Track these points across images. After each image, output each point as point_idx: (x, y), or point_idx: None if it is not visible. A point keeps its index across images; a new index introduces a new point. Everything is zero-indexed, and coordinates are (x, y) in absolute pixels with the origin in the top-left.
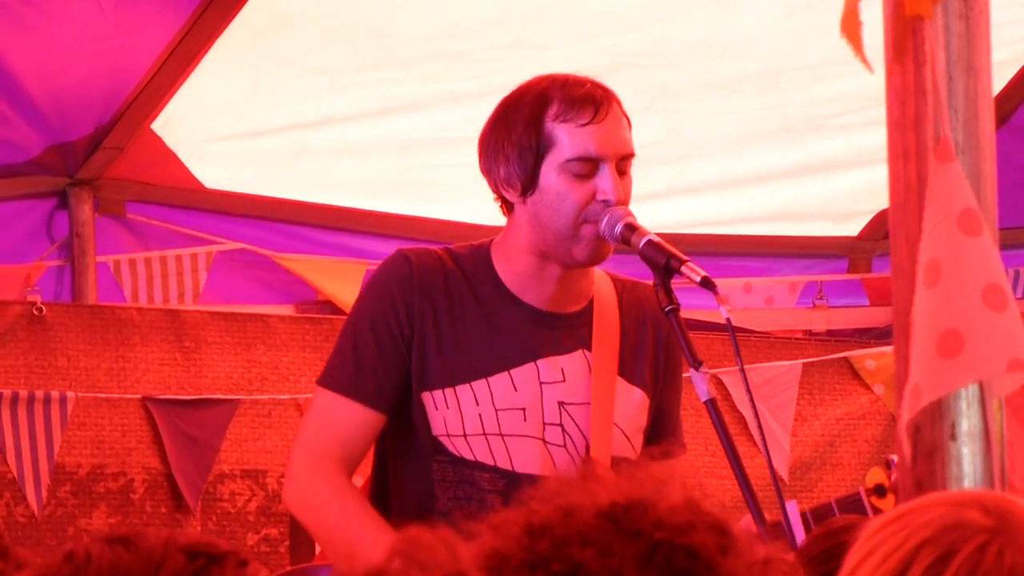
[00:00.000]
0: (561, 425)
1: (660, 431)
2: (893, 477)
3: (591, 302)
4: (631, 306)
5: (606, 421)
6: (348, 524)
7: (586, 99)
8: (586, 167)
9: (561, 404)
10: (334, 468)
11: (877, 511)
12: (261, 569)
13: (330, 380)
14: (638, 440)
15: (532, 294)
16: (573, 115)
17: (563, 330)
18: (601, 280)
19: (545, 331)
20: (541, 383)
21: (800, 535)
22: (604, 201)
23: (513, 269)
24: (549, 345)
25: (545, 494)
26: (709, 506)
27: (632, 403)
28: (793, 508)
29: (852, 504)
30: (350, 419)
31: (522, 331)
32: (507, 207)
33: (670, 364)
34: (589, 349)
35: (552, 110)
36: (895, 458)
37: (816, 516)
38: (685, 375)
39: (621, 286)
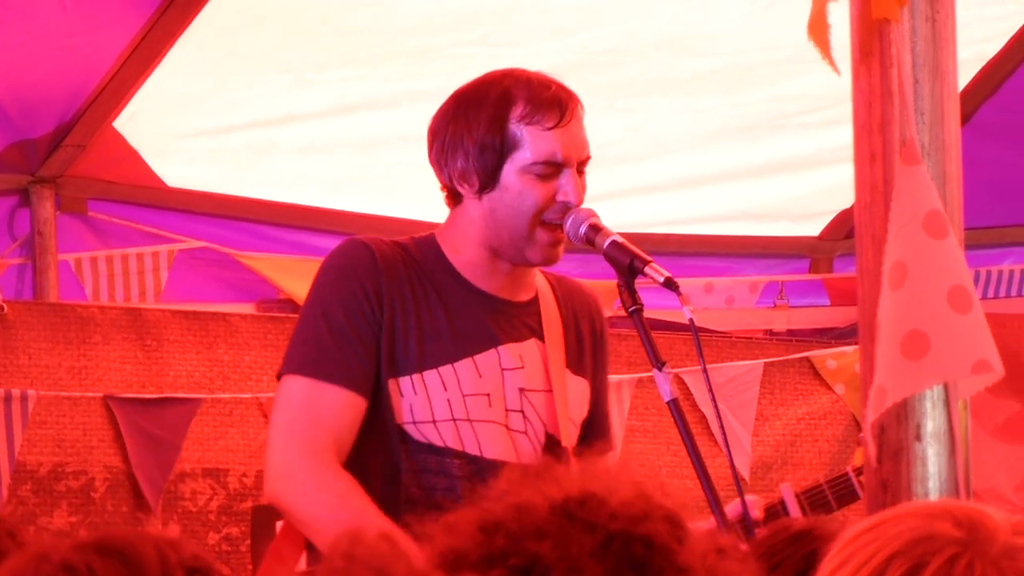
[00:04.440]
0: (522, 411)
1: (594, 424)
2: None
3: (536, 294)
4: (565, 299)
5: (564, 411)
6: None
7: (553, 102)
8: (549, 170)
9: (522, 391)
10: (337, 465)
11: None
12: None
13: (313, 369)
14: (577, 431)
15: (485, 282)
16: (539, 117)
17: (517, 318)
18: (535, 274)
19: (502, 318)
20: (503, 369)
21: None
22: (564, 202)
23: (464, 259)
24: (507, 332)
25: (497, 492)
26: (661, 499)
27: (578, 394)
28: (787, 490)
29: (842, 485)
30: (340, 407)
31: (481, 318)
32: (454, 199)
33: (602, 358)
34: (541, 339)
35: (517, 111)
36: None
37: (810, 498)
38: (648, 375)
39: (553, 280)
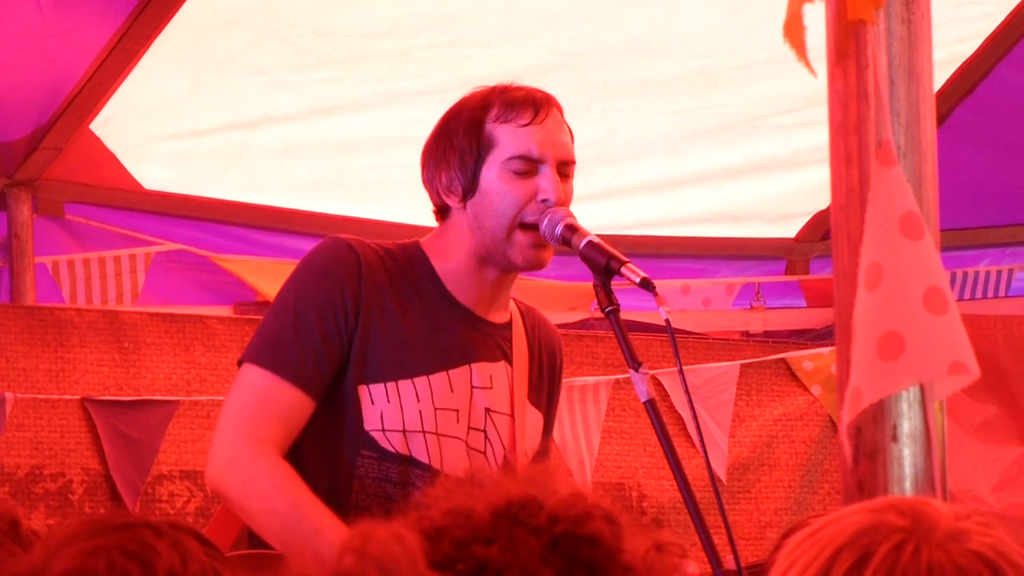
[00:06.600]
0: (484, 431)
1: (542, 458)
2: None
3: (511, 319)
4: (533, 330)
5: (521, 438)
6: (302, 518)
7: (526, 100)
8: (526, 166)
9: (488, 410)
10: (278, 455)
11: None
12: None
13: (270, 361)
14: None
15: (467, 295)
16: (513, 116)
17: (492, 338)
18: (511, 300)
19: (479, 335)
20: (473, 387)
21: None
22: (544, 200)
23: (451, 270)
24: (482, 350)
25: (431, 500)
26: (596, 499)
27: (533, 425)
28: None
29: None
30: (290, 404)
31: (459, 332)
32: (442, 214)
33: (555, 395)
34: (510, 363)
35: (492, 113)
36: None
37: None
38: (624, 376)
39: (524, 309)
